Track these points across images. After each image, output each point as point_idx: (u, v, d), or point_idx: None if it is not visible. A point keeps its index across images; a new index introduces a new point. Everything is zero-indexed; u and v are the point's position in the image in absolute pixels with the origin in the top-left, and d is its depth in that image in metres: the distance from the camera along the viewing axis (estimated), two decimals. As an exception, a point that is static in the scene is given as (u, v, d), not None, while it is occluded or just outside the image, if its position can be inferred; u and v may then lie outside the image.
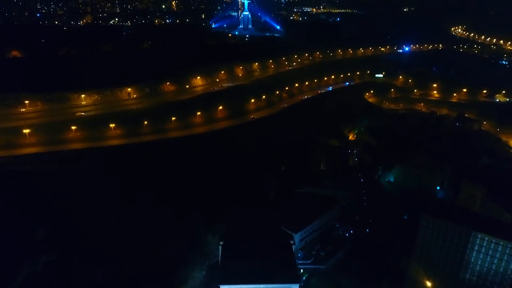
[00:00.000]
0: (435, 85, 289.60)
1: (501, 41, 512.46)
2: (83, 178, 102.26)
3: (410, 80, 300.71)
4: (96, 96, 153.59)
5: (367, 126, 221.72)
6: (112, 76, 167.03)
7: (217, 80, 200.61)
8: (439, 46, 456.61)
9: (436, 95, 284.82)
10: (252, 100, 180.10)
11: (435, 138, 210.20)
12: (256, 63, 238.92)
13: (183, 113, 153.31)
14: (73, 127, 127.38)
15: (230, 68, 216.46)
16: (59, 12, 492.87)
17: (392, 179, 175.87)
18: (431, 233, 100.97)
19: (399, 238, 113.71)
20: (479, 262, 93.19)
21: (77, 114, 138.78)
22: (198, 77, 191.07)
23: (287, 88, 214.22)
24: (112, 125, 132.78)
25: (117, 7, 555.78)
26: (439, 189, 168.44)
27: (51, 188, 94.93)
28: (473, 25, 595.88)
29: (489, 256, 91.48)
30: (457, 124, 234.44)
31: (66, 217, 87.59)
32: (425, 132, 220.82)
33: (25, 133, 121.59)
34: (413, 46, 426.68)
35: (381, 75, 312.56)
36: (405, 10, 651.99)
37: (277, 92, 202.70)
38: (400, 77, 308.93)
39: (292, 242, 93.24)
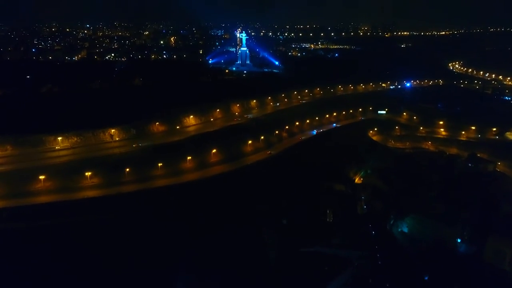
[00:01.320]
0: (441, 123, 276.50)
1: (500, 77, 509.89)
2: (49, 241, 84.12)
3: (414, 117, 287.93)
4: (76, 139, 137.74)
5: (374, 167, 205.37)
6: (96, 116, 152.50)
7: (212, 119, 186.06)
8: (440, 82, 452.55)
9: (443, 133, 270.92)
10: (250, 142, 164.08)
11: (447, 181, 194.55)
12: (254, 100, 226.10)
13: (173, 156, 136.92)
14: (42, 177, 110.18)
15: (226, 106, 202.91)
16: (56, 48, 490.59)
17: (406, 230, 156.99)
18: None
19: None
20: None
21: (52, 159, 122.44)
22: (191, 116, 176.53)
23: (287, 127, 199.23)
24: (88, 174, 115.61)
25: (115, 43, 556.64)
26: (460, 241, 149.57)
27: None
28: (470, 61, 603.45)
29: None
30: (470, 165, 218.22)
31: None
32: (435, 173, 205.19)
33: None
34: (413, 81, 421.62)
35: (384, 112, 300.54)
36: (402, 46, 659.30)
37: (277, 132, 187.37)
38: (404, 113, 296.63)
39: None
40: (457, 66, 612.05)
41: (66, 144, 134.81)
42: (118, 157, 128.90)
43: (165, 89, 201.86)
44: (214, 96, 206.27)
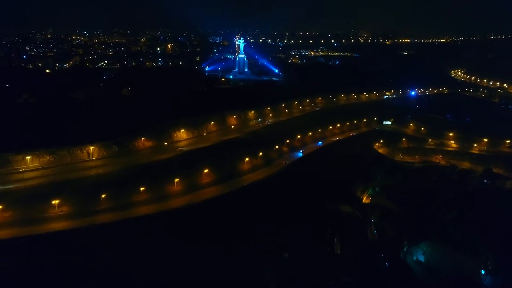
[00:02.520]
0: (451, 134, 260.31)
1: (505, 85, 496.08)
2: None
3: (422, 128, 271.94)
4: (48, 158, 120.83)
5: (382, 184, 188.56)
6: (75, 130, 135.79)
7: (205, 133, 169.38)
8: (444, 90, 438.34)
9: (454, 145, 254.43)
10: (247, 159, 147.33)
11: (461, 199, 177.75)
12: (252, 111, 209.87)
13: (159, 178, 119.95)
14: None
15: (222, 118, 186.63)
16: (48, 54, 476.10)
17: (422, 259, 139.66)
18: None
19: None
20: None
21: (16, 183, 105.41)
22: (182, 130, 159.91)
23: (287, 141, 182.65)
24: (55, 202, 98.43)
25: (110, 49, 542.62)
26: (484, 273, 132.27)
27: None
28: (472, 69, 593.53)
29: None
30: (486, 181, 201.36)
31: None
32: (448, 191, 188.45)
33: None
34: (417, 90, 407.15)
35: (389, 122, 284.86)
36: (404, 53, 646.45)
37: (277, 147, 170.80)
38: (411, 124, 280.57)
39: None
40: (459, 73, 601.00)
41: (37, 164, 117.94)
42: (94, 180, 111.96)
43: (155, 99, 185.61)
44: (208, 107, 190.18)
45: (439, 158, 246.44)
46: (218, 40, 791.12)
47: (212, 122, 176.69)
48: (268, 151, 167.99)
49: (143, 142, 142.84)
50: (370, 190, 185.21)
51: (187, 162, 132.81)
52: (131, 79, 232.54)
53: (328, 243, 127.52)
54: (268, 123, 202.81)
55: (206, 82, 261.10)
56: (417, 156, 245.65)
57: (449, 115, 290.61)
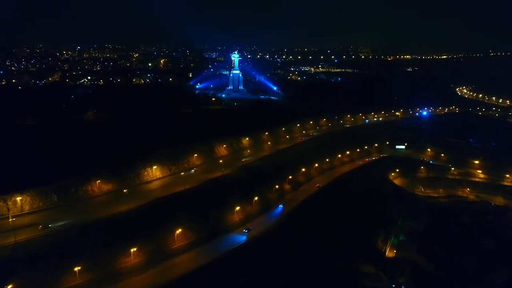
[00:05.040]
0: (476, 162, 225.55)
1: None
2: None
3: (442, 155, 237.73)
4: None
5: (407, 230, 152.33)
6: (8, 173, 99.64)
7: (183, 172, 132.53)
8: (456, 109, 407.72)
9: (481, 176, 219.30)
10: (237, 208, 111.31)
11: (505, 246, 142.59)
12: (247, 138, 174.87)
13: (110, 242, 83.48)
14: None
15: (209, 148, 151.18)
16: (30, 69, 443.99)
17: None
18: None
19: None
20: None
21: None
22: (155, 167, 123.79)
23: (290, 176, 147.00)
24: None
25: (98, 65, 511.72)
26: None
27: None
28: (477, 86, 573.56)
29: None
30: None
31: None
32: (486, 236, 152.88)
33: None
34: (426, 108, 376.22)
35: (403, 147, 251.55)
36: (408, 69, 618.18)
37: (277, 186, 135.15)
38: (428, 149, 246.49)
39: None
40: (465, 91, 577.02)
41: None
42: (6, 254, 75.12)
43: (125, 125, 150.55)
44: (193, 134, 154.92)
45: (467, 192, 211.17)
46: (214, 56, 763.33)
47: (196, 155, 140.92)
48: (266, 192, 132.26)
49: (99, 186, 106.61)
50: (393, 239, 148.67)
51: (155, 215, 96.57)
52: (105, 99, 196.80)
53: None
54: (266, 153, 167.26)
55: (194, 102, 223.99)
56: (441, 190, 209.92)
57: (472, 139, 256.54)
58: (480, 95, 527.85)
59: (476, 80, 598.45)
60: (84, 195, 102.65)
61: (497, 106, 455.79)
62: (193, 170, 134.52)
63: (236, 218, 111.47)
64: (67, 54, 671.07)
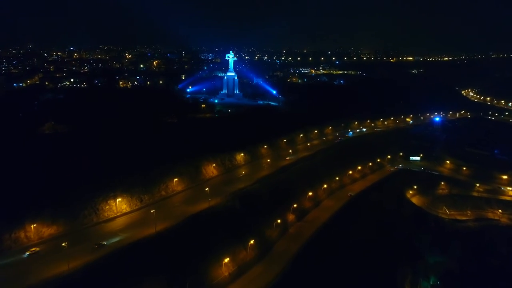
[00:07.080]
0: (505, 177, 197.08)
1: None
2: None
3: (464, 168, 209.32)
4: None
5: (439, 269, 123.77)
6: None
7: (160, 195, 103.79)
8: (467, 115, 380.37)
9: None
10: (226, 259, 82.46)
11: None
12: (242, 153, 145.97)
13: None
14: None
15: (195, 168, 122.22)
16: (12, 71, 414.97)
17: None
18: None
19: None
20: None
21: None
22: (119, 199, 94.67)
23: (295, 205, 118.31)
24: None
25: (87, 66, 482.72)
26: None
27: None
28: (483, 89, 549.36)
29: None
30: None
31: None
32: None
33: None
34: (437, 113, 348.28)
35: (418, 158, 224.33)
36: (413, 72, 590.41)
37: (279, 221, 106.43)
38: (447, 162, 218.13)
39: None
40: (471, 93, 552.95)
41: None
42: None
43: (89, 141, 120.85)
44: (176, 150, 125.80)
45: (498, 214, 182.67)
46: (210, 57, 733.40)
47: (176, 179, 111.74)
48: (265, 228, 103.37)
49: (36, 232, 77.33)
50: (424, 283, 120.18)
51: (110, 276, 67.57)
52: (74, 106, 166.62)
53: None
54: (265, 173, 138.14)
55: (180, 109, 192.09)
56: (468, 212, 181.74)
57: (497, 150, 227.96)
58: (488, 98, 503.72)
59: (480, 83, 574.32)
60: (22, 239, 73.54)
61: (508, 111, 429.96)
62: (172, 199, 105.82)
63: (225, 272, 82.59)
64: (57, 55, 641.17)
